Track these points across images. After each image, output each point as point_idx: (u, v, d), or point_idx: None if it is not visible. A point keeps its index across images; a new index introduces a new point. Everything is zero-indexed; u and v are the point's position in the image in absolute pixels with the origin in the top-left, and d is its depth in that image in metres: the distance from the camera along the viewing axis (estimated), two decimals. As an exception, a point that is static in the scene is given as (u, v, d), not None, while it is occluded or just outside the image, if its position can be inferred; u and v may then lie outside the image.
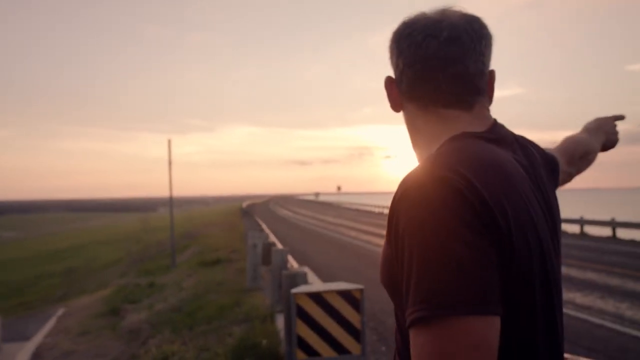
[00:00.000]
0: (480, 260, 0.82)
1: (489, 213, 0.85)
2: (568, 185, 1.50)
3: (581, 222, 21.39)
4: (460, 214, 0.83)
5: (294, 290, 4.27)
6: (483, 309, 0.80)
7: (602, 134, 1.59)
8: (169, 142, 20.70)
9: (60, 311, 14.16)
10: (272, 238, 16.43)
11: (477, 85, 1.03)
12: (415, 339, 0.82)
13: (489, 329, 0.80)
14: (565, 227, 21.51)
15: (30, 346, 9.97)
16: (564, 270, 9.16)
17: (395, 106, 1.11)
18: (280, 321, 6.71)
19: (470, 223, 0.83)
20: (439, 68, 1.02)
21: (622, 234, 19.82)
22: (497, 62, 1.10)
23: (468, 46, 1.01)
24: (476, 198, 0.85)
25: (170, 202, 21.16)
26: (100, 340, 9.33)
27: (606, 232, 20.44)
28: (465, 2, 1.09)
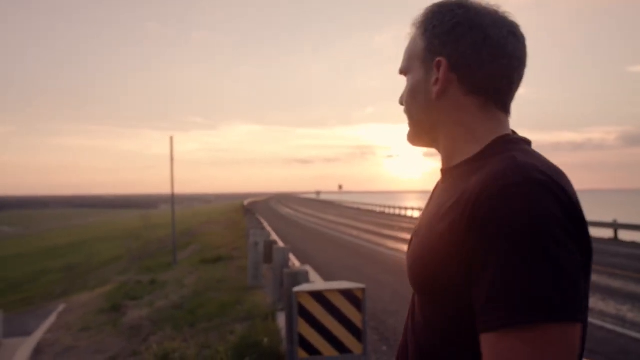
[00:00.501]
0: (577, 266, 0.83)
1: (580, 219, 0.86)
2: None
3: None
4: (560, 219, 0.83)
5: (295, 289, 4.26)
6: (578, 316, 0.80)
7: None
8: (171, 139, 20.70)
9: (61, 307, 14.19)
10: (274, 236, 16.45)
11: None
12: (500, 344, 0.80)
13: (577, 336, 0.81)
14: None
15: (31, 342, 9.98)
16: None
17: (439, 92, 1.02)
18: (281, 319, 6.71)
19: (568, 228, 0.83)
20: (516, 69, 1.01)
21: (624, 235, 19.80)
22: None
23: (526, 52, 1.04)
24: (570, 204, 0.85)
25: (172, 199, 21.16)
26: (101, 336, 9.34)
27: (608, 233, 20.42)
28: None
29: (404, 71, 1.10)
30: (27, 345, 9.69)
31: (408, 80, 1.08)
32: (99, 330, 9.83)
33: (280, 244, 12.86)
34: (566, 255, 0.81)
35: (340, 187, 78.21)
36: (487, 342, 0.82)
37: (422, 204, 45.22)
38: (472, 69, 0.99)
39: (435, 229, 0.94)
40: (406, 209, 40.76)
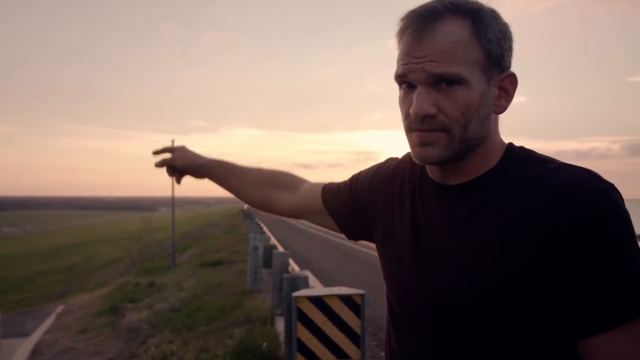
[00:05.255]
0: None
1: None
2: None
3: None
4: None
5: (295, 294, 4.26)
6: None
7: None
8: (172, 142, 20.68)
9: (60, 308, 14.17)
10: (273, 240, 16.44)
11: None
12: (618, 340, 0.85)
13: None
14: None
15: (29, 343, 9.97)
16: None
17: (506, 108, 1.01)
18: (280, 324, 6.70)
19: None
20: None
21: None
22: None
23: None
24: None
25: (172, 203, 21.16)
26: (100, 338, 9.33)
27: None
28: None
29: (458, 77, 0.91)
30: (25, 346, 9.67)
31: (460, 90, 0.92)
32: (97, 332, 9.82)
33: (280, 248, 12.86)
34: None
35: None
36: (605, 340, 0.86)
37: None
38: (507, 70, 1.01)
39: (508, 249, 0.91)
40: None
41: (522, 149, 1.00)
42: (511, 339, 0.90)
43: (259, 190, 1.45)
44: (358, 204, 1.25)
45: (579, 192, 0.87)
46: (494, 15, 0.95)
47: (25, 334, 10.97)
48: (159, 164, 1.49)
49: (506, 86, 0.97)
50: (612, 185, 0.89)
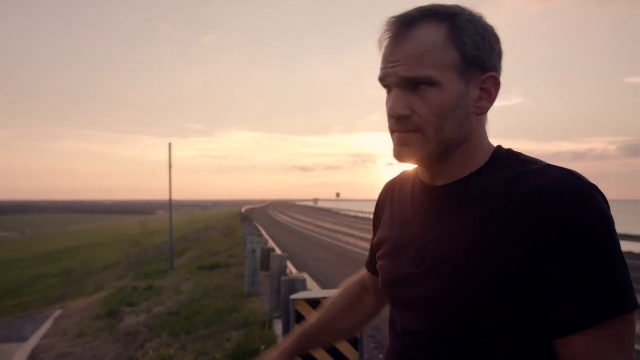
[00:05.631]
0: None
1: None
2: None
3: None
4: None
5: (292, 296, 4.26)
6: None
7: None
8: (170, 145, 20.72)
9: (57, 312, 14.13)
10: (271, 243, 16.41)
11: None
12: (595, 338, 0.85)
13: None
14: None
15: (26, 347, 9.94)
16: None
17: (487, 109, 1.02)
18: (278, 327, 6.70)
19: None
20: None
21: (627, 246, 19.79)
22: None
23: None
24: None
25: (170, 206, 21.16)
26: (97, 342, 9.31)
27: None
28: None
29: (429, 80, 0.94)
30: (22, 351, 9.65)
31: (432, 92, 0.94)
32: (95, 336, 9.80)
33: (278, 251, 12.86)
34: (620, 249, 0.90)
35: (338, 194, 78.21)
36: (579, 340, 0.86)
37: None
38: (499, 82, 1.00)
39: (487, 248, 0.91)
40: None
41: (509, 151, 1.01)
42: (498, 339, 0.91)
43: (351, 322, 1.42)
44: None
45: (556, 193, 0.87)
46: (471, 19, 0.97)
47: (22, 338, 10.93)
48: None
49: (488, 87, 0.98)
50: (593, 186, 0.89)
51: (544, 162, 0.95)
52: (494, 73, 0.98)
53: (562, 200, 0.86)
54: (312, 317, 1.42)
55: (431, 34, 0.94)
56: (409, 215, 1.08)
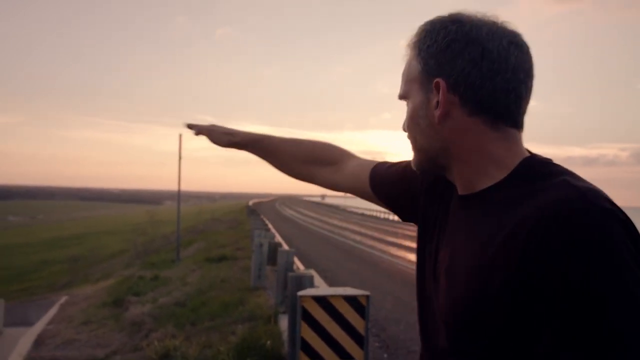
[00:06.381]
0: None
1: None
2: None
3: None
4: (630, 247, 0.77)
5: (300, 293, 4.27)
6: None
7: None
8: (180, 136, 20.74)
9: (63, 299, 14.23)
10: (278, 238, 16.44)
11: None
12: None
13: None
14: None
15: (32, 332, 10.02)
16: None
17: (441, 116, 0.94)
18: (283, 322, 6.71)
19: (636, 258, 0.78)
20: (522, 81, 0.92)
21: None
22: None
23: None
24: (634, 230, 0.80)
25: (178, 197, 21.21)
26: (103, 330, 9.37)
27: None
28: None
29: (403, 96, 1.02)
30: (28, 336, 9.72)
31: (408, 106, 1.01)
32: (100, 324, 9.86)
33: (285, 246, 12.88)
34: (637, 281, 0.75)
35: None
36: None
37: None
38: (473, 87, 0.90)
39: (485, 264, 0.86)
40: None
41: (542, 161, 0.92)
42: (505, 353, 0.86)
43: (300, 167, 1.44)
44: (412, 190, 1.18)
45: (555, 215, 0.78)
46: (439, 28, 0.94)
47: (28, 323, 11.02)
48: (195, 133, 1.54)
49: (436, 94, 0.94)
50: (609, 212, 0.78)
51: (570, 174, 0.87)
52: (438, 79, 0.92)
53: (557, 225, 0.77)
54: (280, 138, 1.47)
55: (410, 51, 1.01)
56: (442, 221, 1.06)
